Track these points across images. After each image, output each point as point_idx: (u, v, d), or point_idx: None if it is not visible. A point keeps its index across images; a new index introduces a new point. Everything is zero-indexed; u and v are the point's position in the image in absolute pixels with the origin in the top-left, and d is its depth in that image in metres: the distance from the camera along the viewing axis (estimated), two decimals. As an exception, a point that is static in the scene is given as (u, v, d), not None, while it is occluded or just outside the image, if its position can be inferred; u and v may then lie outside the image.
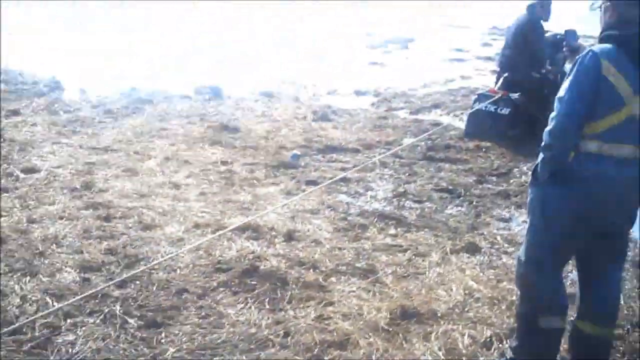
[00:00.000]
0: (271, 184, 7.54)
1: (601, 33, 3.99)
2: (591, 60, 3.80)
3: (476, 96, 10.44)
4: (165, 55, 15.34)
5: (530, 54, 9.93)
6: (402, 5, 32.75)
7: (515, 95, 9.92)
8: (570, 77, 3.88)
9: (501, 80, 10.27)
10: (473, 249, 6.15)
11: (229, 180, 7.46)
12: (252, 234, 6.03)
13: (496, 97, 9.85)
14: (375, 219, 6.67)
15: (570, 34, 4.97)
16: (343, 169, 7.97)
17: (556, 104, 3.91)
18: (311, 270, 5.49)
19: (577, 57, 3.93)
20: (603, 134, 3.83)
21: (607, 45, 3.86)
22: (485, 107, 9.78)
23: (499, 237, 6.46)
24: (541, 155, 3.99)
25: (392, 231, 6.45)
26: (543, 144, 3.95)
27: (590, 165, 3.87)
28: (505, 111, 9.74)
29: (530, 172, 4.25)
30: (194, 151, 8.41)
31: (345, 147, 9.01)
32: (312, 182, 7.50)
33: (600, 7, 4.09)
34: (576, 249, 4.17)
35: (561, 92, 3.89)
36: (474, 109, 9.96)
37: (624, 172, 3.88)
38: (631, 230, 6.76)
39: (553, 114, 3.90)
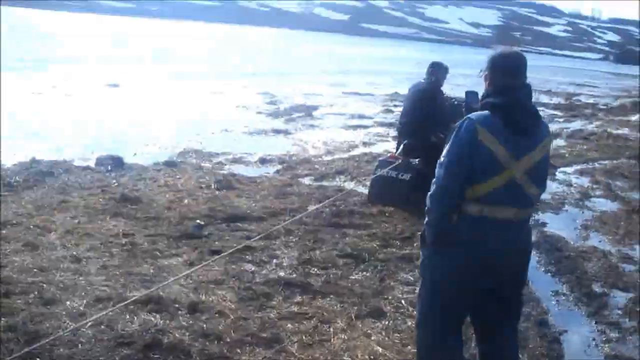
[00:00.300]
0: (174, 255, 7.40)
1: (481, 100, 4.21)
2: (467, 126, 3.99)
3: (377, 163, 10.64)
4: (66, 125, 15.17)
5: (429, 119, 10.21)
6: (307, 76, 33.45)
7: (415, 161, 10.15)
8: (449, 143, 4.06)
9: (401, 147, 10.51)
10: (378, 314, 6.20)
11: (131, 253, 7.31)
12: (155, 307, 5.89)
13: (397, 163, 10.06)
14: (281, 287, 6.63)
15: (471, 96, 5.04)
16: (248, 238, 7.91)
17: (437, 169, 4.07)
18: (215, 342, 5.41)
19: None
20: (484, 197, 4.00)
21: (485, 112, 4.05)
22: (387, 173, 9.96)
23: (403, 301, 6.52)
24: (426, 219, 4.14)
25: (298, 299, 6.43)
26: (426, 207, 4.11)
27: (473, 228, 4.02)
28: (407, 177, 9.94)
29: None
30: (95, 224, 8.23)
31: (250, 215, 8.95)
32: (215, 252, 7.39)
33: (482, 74, 4.30)
34: (470, 309, 4.26)
35: (441, 157, 4.07)
36: (376, 175, 10.14)
37: (507, 234, 4.04)
38: (533, 289, 7.02)
39: (434, 179, 4.07)
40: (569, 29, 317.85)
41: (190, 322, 5.71)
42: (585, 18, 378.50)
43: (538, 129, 4.09)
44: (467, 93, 5.08)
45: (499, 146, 3.93)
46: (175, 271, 6.84)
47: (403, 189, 9.89)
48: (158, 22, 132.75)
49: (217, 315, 5.89)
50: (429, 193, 4.07)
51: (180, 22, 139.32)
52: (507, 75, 4.12)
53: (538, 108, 4.20)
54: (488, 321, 4.28)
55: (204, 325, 5.66)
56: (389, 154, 11.15)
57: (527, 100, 4.12)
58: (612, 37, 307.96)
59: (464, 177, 3.97)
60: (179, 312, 5.91)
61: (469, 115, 4.05)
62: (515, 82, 4.11)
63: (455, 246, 4.03)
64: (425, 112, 10.17)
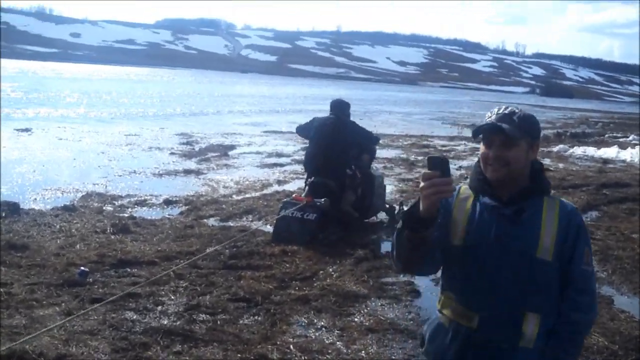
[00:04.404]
0: (52, 304, 6.88)
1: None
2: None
3: (282, 204, 10.41)
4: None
5: (341, 151, 10.24)
6: (229, 117, 33.33)
7: (320, 201, 9.96)
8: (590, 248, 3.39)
9: (307, 186, 10.43)
10: (263, 362, 5.83)
11: (4, 303, 6.77)
12: (18, 362, 5.44)
13: (302, 204, 9.87)
14: (160, 336, 6.19)
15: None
16: (134, 284, 7.46)
17: (584, 283, 3.28)
18: (77, 398, 4.99)
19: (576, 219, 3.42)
20: None
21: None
22: (292, 213, 9.75)
23: (292, 346, 6.20)
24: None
25: (177, 348, 6.01)
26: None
27: None
28: (312, 216, 9.80)
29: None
30: (-28, 274, 7.70)
31: (141, 260, 8.45)
32: (97, 300, 6.93)
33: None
34: None
35: (588, 267, 3.30)
36: (280, 216, 9.87)
37: None
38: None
39: (588, 299, 3.28)
40: (495, 64, 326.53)
41: (53, 377, 5.27)
42: (510, 54, 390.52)
43: None
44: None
45: None
46: (49, 322, 6.36)
47: (309, 228, 9.75)
48: (83, 66, 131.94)
49: (84, 368, 5.45)
50: (590, 318, 3.32)
51: (105, 67, 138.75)
52: None
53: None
54: None
55: (67, 381, 5.22)
56: (293, 195, 10.94)
57: None
58: (537, 71, 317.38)
59: None
60: (43, 366, 5.43)
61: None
62: None
63: None
64: (338, 146, 10.32)
